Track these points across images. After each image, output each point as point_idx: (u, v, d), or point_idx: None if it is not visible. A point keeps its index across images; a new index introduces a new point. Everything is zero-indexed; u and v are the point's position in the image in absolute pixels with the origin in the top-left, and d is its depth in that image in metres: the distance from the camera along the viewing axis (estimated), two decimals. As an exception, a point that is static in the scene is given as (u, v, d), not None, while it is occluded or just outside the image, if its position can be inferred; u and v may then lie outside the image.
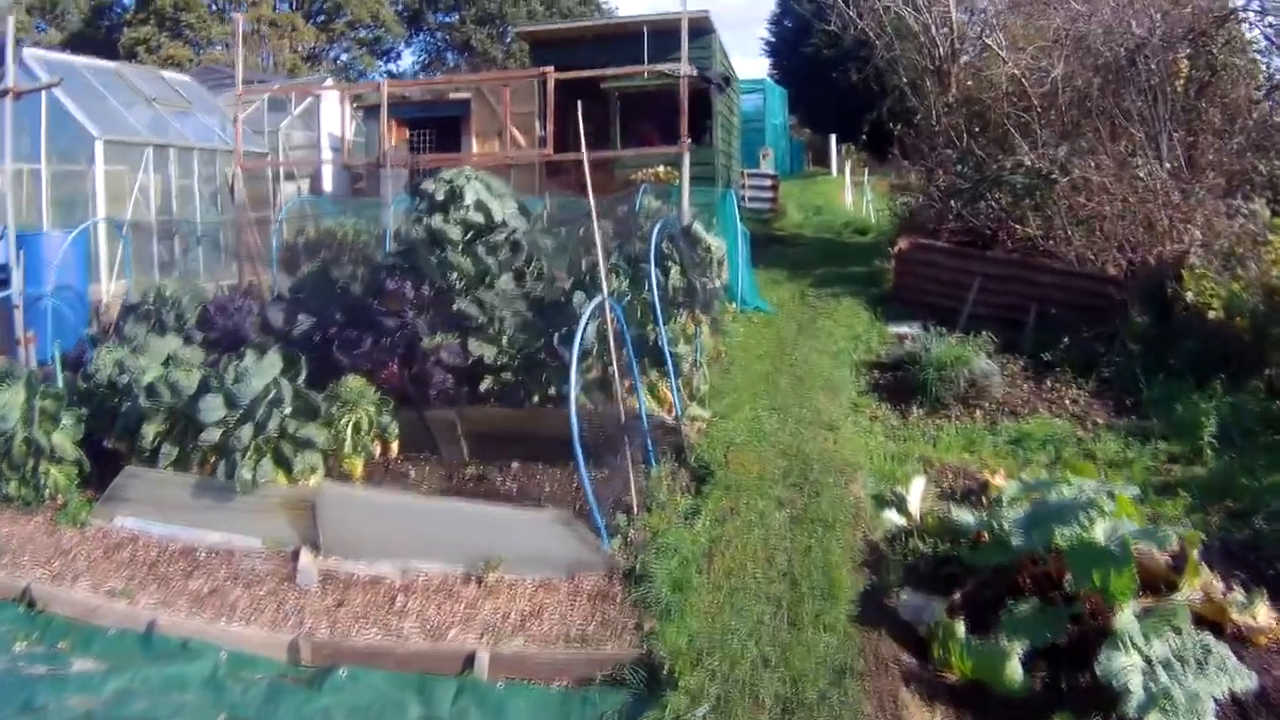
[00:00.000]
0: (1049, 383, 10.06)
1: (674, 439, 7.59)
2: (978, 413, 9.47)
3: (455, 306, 7.76)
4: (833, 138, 34.58)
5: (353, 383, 7.68)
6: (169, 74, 17.68)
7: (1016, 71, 14.62)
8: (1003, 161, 13.72)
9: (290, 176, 18.39)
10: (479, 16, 51.61)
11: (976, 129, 14.56)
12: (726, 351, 10.55)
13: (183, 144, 15.52)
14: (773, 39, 43.41)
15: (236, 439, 7.22)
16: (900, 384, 10.10)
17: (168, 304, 9.49)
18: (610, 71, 11.70)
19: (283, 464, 7.35)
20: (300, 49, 52.56)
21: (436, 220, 7.79)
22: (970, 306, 12.28)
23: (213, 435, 7.12)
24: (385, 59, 57.04)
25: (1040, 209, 13.09)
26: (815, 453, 7.63)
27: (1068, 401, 9.70)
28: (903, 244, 13.11)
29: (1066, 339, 10.65)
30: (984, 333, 10.99)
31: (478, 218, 7.80)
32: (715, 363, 10.02)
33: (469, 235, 7.84)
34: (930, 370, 9.80)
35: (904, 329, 12.17)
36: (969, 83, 15.71)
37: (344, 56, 56.00)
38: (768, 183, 21.38)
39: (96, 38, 49.41)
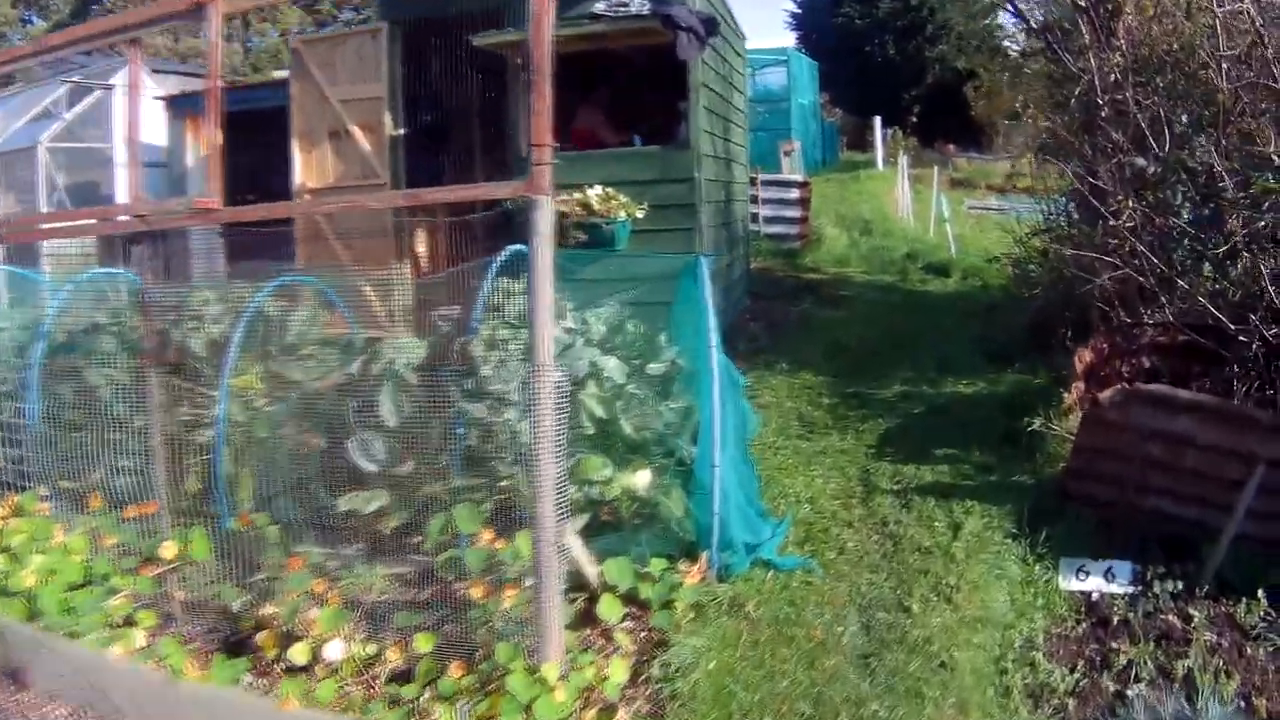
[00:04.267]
0: None
1: None
2: None
3: None
4: (877, 121, 27.24)
5: None
6: None
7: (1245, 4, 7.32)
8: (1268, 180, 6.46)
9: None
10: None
11: (1180, 111, 7.25)
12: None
13: None
14: (798, 9, 37.68)
15: None
16: None
17: None
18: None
19: None
20: (289, 34, 46.33)
21: None
22: (1236, 523, 5.19)
23: None
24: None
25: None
26: None
27: None
28: (1089, 378, 5.93)
29: None
30: (1260, 596, 4.63)
31: None
32: None
33: None
34: None
35: (1099, 583, 5.17)
36: (1153, 29, 8.30)
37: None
38: (794, 194, 14.10)
39: (85, 27, 44.35)
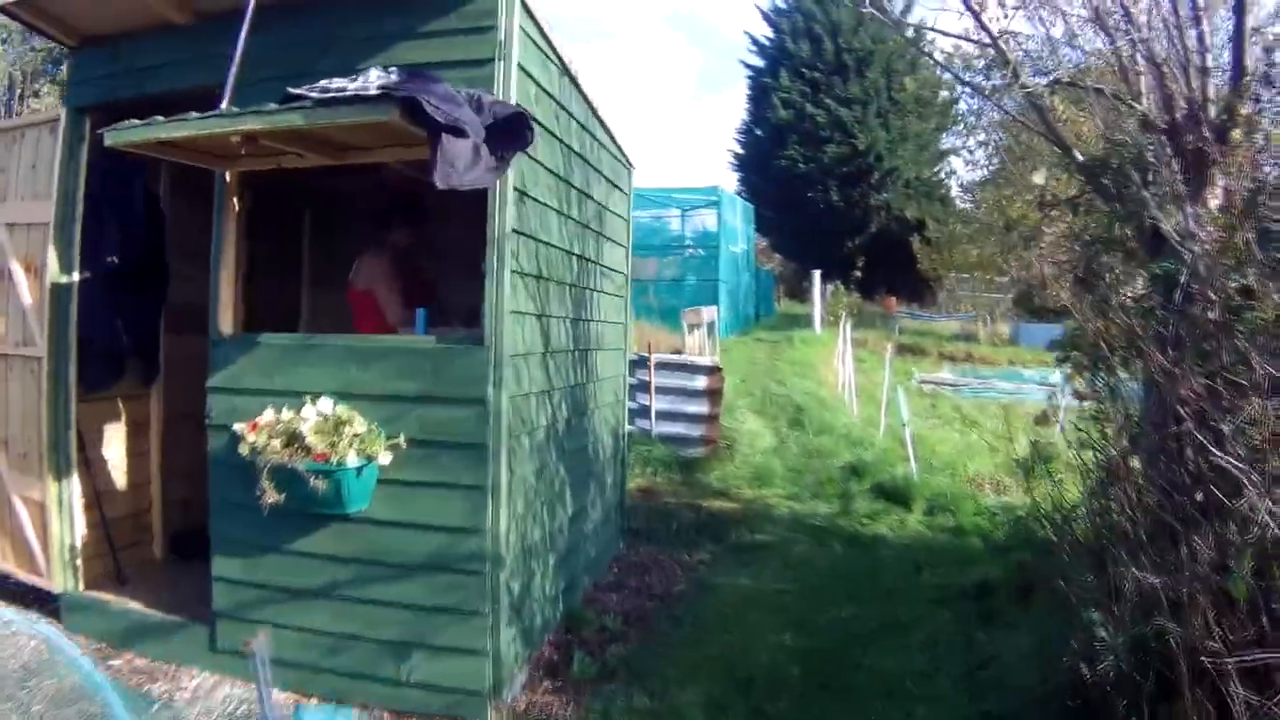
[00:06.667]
0: None
1: None
2: None
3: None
4: (816, 275, 24.19)
5: None
6: None
7: None
8: None
9: None
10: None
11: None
12: None
13: None
14: (742, 151, 36.11)
15: None
16: None
17: None
18: None
19: None
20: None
21: None
22: None
23: None
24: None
25: None
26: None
27: None
28: None
29: None
30: None
31: None
32: None
33: None
34: None
35: None
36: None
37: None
38: (700, 383, 10.27)
39: None
